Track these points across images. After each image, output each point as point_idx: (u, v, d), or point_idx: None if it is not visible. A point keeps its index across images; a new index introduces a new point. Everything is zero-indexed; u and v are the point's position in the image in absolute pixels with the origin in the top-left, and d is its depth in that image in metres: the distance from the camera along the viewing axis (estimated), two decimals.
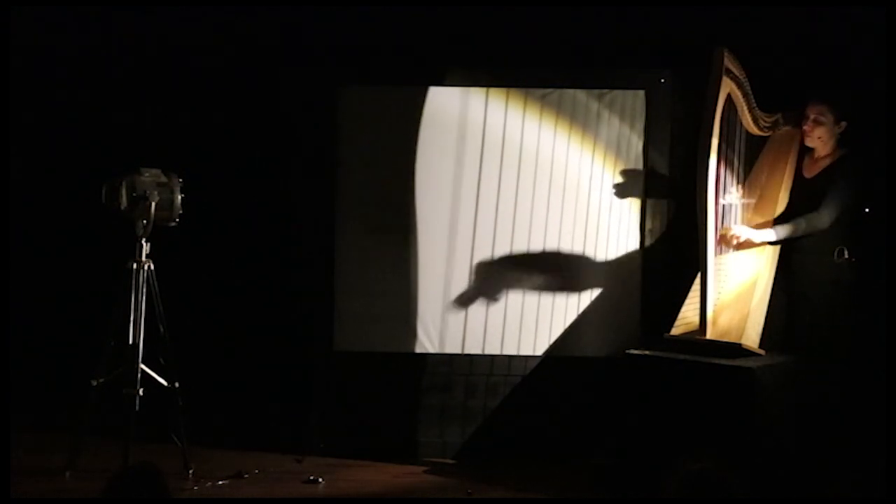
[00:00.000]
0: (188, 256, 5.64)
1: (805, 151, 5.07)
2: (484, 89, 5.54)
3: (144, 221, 4.99)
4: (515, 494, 5.07)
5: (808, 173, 5.02)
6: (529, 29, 5.48)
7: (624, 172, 5.55)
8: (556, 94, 5.53)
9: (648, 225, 5.55)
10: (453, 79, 5.54)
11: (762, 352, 4.78)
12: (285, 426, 5.62)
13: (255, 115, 5.71)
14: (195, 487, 4.98)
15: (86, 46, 5.81)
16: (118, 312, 5.00)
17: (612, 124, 5.54)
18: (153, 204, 4.95)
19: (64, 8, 5.72)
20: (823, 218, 4.82)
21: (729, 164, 5.00)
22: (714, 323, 4.86)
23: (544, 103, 5.54)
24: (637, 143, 5.55)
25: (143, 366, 4.96)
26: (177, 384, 5.05)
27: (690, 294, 5.02)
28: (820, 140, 4.96)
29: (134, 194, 4.95)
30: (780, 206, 4.99)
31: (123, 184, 4.96)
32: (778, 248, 4.94)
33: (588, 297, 5.57)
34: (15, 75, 5.51)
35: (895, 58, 5.04)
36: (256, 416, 5.74)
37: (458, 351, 5.59)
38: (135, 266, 5.01)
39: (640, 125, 5.54)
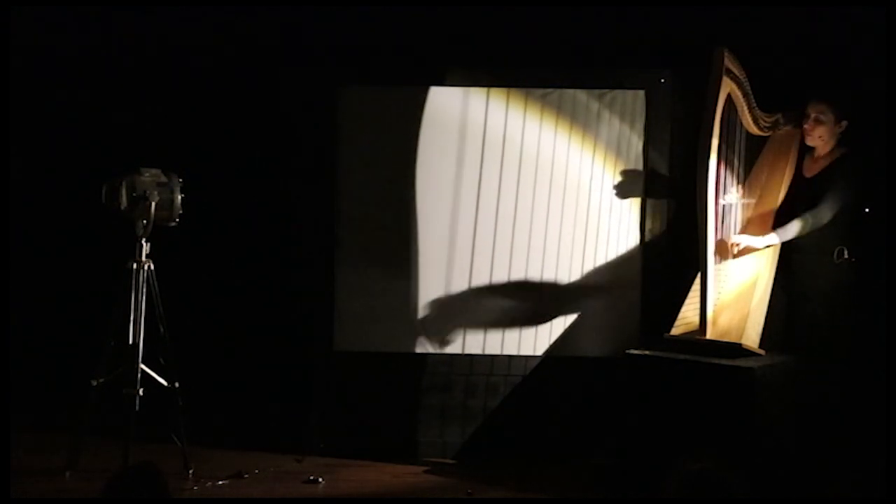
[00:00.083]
0: (188, 256, 5.64)
1: (805, 151, 5.07)
2: (484, 89, 5.53)
3: (144, 221, 4.99)
4: (515, 494, 5.07)
5: (809, 173, 5.02)
6: (529, 29, 5.48)
7: (624, 172, 5.55)
8: (556, 94, 5.53)
9: (648, 225, 5.55)
10: (454, 79, 5.54)
11: (762, 352, 4.78)
12: (285, 426, 5.62)
13: (255, 116, 5.71)
14: (195, 487, 4.98)
15: (86, 46, 5.81)
16: (118, 312, 4.99)
17: (612, 124, 5.54)
18: (153, 204, 4.95)
19: (64, 8, 5.72)
20: (825, 212, 4.82)
21: (729, 164, 5.00)
22: (714, 323, 4.86)
23: (544, 103, 5.54)
24: (637, 143, 5.55)
25: (143, 366, 4.95)
26: (177, 384, 5.05)
27: (690, 294, 5.02)
28: (820, 139, 4.96)
29: (134, 194, 4.95)
30: (780, 206, 4.99)
31: (123, 184, 4.96)
32: (778, 247, 4.94)
33: (588, 297, 5.57)
34: (15, 75, 5.51)
35: (895, 58, 5.05)
36: (256, 416, 5.74)
37: (458, 351, 5.59)
38: (135, 266, 5.00)
39: (640, 125, 5.54)
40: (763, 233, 4.91)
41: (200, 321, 5.73)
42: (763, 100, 4.94)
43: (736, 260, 4.93)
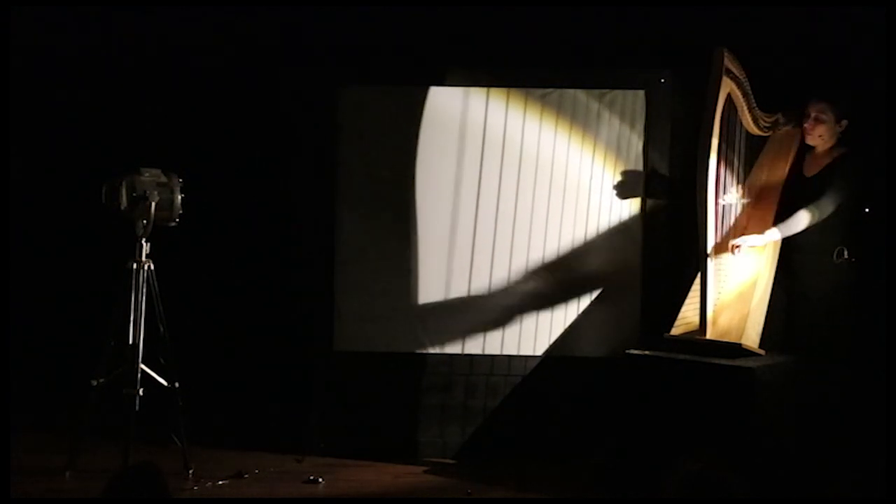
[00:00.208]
0: (188, 256, 5.64)
1: (805, 150, 5.07)
2: (484, 89, 5.53)
3: (144, 221, 4.99)
4: (515, 494, 5.07)
5: (809, 172, 5.02)
6: (529, 29, 5.48)
7: (624, 172, 5.55)
8: (556, 94, 5.53)
9: (648, 225, 5.54)
10: (454, 79, 5.54)
11: (762, 352, 4.78)
12: (285, 426, 5.62)
13: (255, 115, 5.71)
14: (195, 487, 4.98)
15: (86, 46, 5.81)
16: (118, 312, 4.99)
17: (612, 124, 5.54)
18: (153, 204, 4.95)
19: (64, 8, 5.72)
20: (826, 206, 4.80)
21: (729, 164, 5.00)
22: (714, 323, 4.86)
23: (544, 103, 5.54)
24: (637, 143, 5.55)
25: (143, 366, 4.96)
26: (177, 384, 5.05)
27: (690, 294, 5.02)
28: (821, 138, 4.96)
29: (134, 194, 4.95)
30: (780, 206, 4.99)
31: (123, 184, 4.96)
32: (778, 247, 4.94)
33: (588, 297, 5.57)
34: (15, 75, 5.51)
35: (895, 58, 5.05)
36: (256, 416, 5.74)
37: (458, 351, 5.59)
38: (135, 266, 5.01)
39: (640, 125, 5.54)
40: (763, 232, 4.90)
41: (200, 321, 5.73)
42: (763, 100, 4.94)
43: (736, 260, 4.93)
